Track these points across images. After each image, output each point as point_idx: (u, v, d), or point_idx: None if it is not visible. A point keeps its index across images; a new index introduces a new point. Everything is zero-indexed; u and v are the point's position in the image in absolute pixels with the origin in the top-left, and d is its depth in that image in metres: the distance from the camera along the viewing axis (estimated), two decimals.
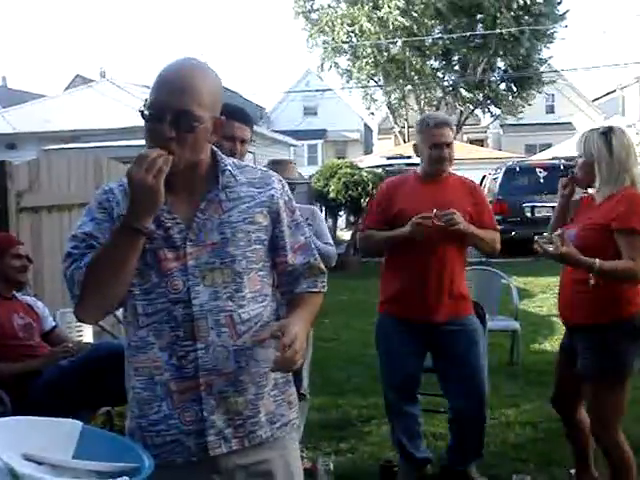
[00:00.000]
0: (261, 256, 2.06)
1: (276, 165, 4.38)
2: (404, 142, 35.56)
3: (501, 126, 41.00)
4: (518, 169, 16.89)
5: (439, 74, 36.43)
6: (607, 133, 3.43)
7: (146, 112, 1.90)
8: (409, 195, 3.97)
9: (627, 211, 3.25)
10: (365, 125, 44.76)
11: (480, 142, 40.45)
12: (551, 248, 3.18)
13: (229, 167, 2.06)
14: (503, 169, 17.05)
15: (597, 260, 3.17)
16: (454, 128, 4.12)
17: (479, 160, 26.28)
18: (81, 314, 2.02)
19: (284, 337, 1.89)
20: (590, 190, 3.66)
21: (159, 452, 1.98)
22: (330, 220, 18.42)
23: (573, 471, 3.93)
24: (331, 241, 4.50)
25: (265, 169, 2.20)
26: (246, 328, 2.00)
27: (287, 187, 2.16)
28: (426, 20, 31.86)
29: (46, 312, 4.51)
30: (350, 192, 13.94)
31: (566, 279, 3.53)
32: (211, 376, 1.97)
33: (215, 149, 2.07)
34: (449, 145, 3.93)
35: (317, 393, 5.88)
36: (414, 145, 4.06)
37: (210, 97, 1.93)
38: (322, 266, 2.22)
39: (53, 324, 4.52)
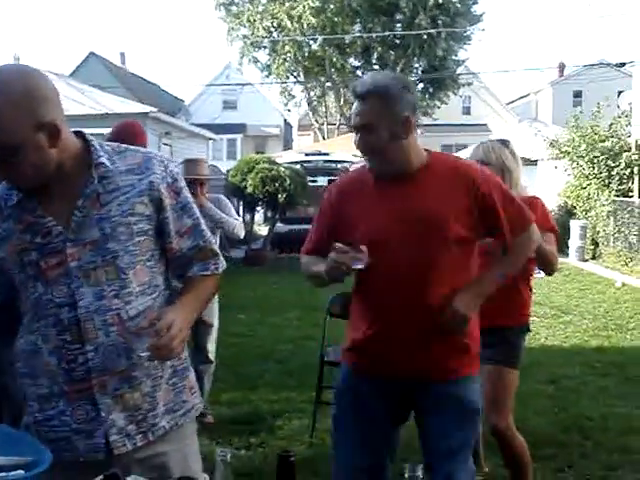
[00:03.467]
0: (148, 247, 2.00)
1: (189, 163, 5.04)
2: (323, 139, 35.72)
3: (418, 126, 41.56)
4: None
5: (359, 72, 36.72)
6: (507, 143, 3.75)
7: None
8: (364, 204, 2.64)
9: (541, 215, 3.52)
10: (285, 121, 44.71)
11: None
12: None
13: (104, 158, 1.95)
14: None
15: None
16: None
17: None
18: None
19: (159, 323, 1.85)
20: None
21: (52, 448, 1.91)
22: (248, 215, 18.39)
23: None
24: (238, 218, 5.18)
25: (147, 150, 2.10)
26: (135, 324, 1.96)
27: (172, 168, 2.06)
28: (341, 19, 32.06)
29: None
30: (267, 187, 13.88)
31: None
32: (104, 376, 1.94)
33: (90, 138, 1.98)
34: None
35: (228, 389, 5.88)
36: None
37: (20, 112, 1.77)
38: (214, 248, 2.15)
39: None
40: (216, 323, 5.20)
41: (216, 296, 5.17)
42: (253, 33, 34.13)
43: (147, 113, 16.25)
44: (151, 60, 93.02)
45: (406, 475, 1.41)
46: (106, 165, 1.95)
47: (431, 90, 36.27)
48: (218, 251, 2.17)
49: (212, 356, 5.17)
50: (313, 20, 31.42)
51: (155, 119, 16.91)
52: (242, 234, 5.25)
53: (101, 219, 1.92)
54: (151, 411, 2.02)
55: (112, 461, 1.96)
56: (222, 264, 2.17)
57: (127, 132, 4.41)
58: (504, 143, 3.74)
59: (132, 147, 2.08)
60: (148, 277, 2.00)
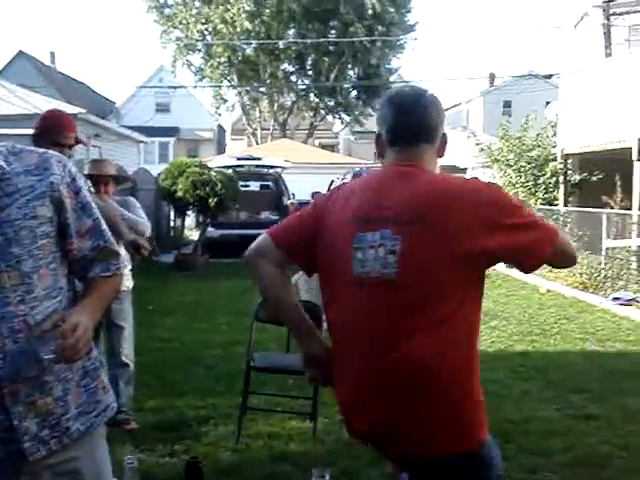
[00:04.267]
0: (50, 249, 1.97)
1: (94, 162, 5.11)
2: (257, 144, 35.69)
3: (352, 133, 41.93)
4: (364, 175, 17.31)
5: (292, 78, 36.82)
6: None
7: None
8: None
9: None
10: (219, 125, 44.49)
11: (331, 147, 41.24)
12: None
13: (0, 160, 1.91)
14: (350, 174, 17.47)
15: None
16: None
17: (330, 165, 26.77)
18: None
19: (64, 325, 1.84)
20: None
21: None
22: (178, 220, 18.20)
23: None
24: (144, 217, 5.15)
25: (43, 150, 2.05)
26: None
27: (70, 167, 2.03)
28: (277, 24, 32.12)
29: None
30: (198, 192, 13.76)
31: None
32: (15, 384, 1.90)
33: None
34: None
35: (154, 395, 5.79)
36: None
37: None
38: (115, 248, 2.14)
39: None
40: (129, 326, 5.10)
41: (129, 298, 5.10)
42: (187, 36, 33.90)
43: (76, 114, 15.95)
44: (82, 60, 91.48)
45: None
46: (3, 167, 1.90)
47: (364, 98, 36.64)
48: (119, 251, 2.17)
49: (127, 360, 5.06)
50: (247, 24, 31.39)
51: (84, 120, 16.62)
52: (148, 232, 5.12)
53: (2, 223, 1.87)
54: (64, 415, 1.99)
55: (23, 468, 1.94)
56: (123, 264, 2.18)
57: (55, 123, 4.14)
58: None
59: (27, 147, 2.03)
60: (52, 280, 1.97)
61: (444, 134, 2.28)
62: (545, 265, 2.25)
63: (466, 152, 18.84)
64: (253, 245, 2.29)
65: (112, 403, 2.15)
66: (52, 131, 4.03)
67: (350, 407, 2.18)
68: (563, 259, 2.25)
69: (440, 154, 2.28)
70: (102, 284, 2.09)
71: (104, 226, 2.11)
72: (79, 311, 1.92)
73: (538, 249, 2.14)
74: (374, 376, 2.10)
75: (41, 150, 2.04)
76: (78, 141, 4.22)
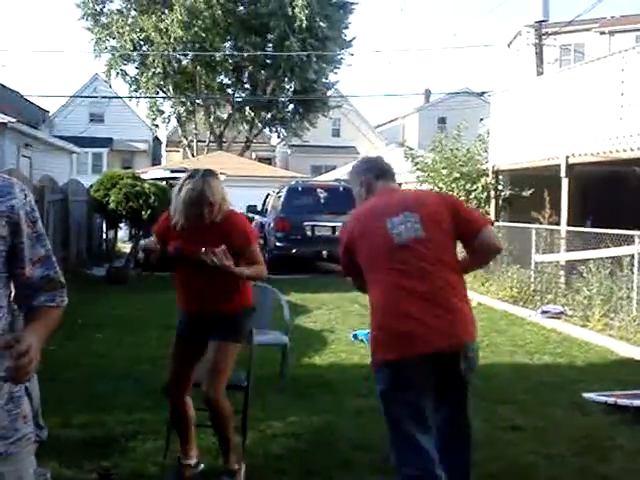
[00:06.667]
0: None
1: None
2: (192, 156, 35.43)
3: (289, 146, 42.02)
4: (300, 189, 17.40)
5: (229, 90, 36.72)
6: (216, 174, 4.43)
7: None
8: None
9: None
10: (154, 136, 44.02)
11: (268, 160, 41.24)
12: (216, 260, 4.05)
13: None
14: (286, 188, 17.48)
15: (244, 268, 4.25)
16: None
17: (266, 178, 26.75)
18: None
19: (19, 345, 1.83)
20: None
21: None
22: (111, 232, 17.92)
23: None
24: None
25: (7, 177, 2.12)
26: None
27: (30, 197, 2.10)
28: (211, 36, 32.03)
29: None
30: (131, 204, 13.59)
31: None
32: None
33: None
34: None
35: (81, 410, 5.69)
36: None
37: None
38: (62, 280, 2.17)
39: None
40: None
41: None
42: (122, 45, 33.54)
43: (5, 123, 15.64)
44: (14, 67, 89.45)
45: None
46: None
47: (301, 111, 36.75)
48: (64, 283, 2.19)
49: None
50: (181, 33, 31.20)
51: (14, 130, 16.29)
52: None
53: None
54: None
55: None
56: (66, 298, 2.18)
57: None
58: (213, 174, 4.33)
59: None
60: None
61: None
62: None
63: (402, 167, 19.03)
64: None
65: (29, 434, 2.13)
66: None
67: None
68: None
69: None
70: (47, 313, 2.10)
71: (54, 258, 2.16)
72: (31, 334, 1.93)
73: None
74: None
75: (5, 175, 2.11)
76: None
